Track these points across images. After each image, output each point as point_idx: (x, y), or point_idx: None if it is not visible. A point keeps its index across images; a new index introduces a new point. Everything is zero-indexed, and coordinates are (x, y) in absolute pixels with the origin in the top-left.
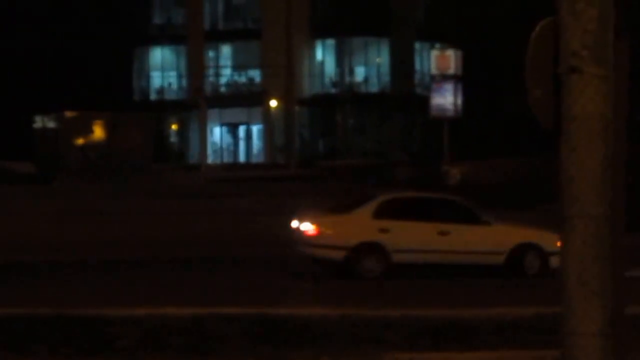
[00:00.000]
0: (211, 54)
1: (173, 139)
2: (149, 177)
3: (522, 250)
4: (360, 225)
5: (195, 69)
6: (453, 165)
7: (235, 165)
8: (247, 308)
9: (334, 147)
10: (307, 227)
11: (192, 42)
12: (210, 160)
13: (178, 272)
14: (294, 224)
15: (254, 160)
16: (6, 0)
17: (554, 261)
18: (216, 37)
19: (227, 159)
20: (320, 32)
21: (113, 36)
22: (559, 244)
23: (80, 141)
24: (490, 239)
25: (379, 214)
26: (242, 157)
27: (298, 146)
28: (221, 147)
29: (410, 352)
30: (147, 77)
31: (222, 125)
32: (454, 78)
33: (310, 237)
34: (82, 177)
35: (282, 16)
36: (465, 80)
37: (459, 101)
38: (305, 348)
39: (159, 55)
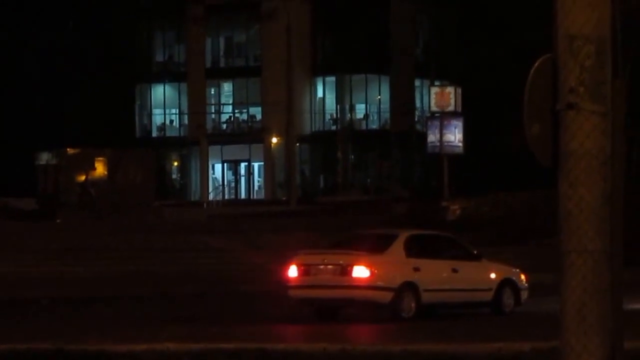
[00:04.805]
0: (212, 91)
1: (174, 175)
2: (150, 213)
3: None
4: None
5: (196, 106)
6: (453, 200)
7: (236, 202)
8: (247, 343)
9: (334, 183)
10: None
11: (193, 79)
12: (211, 197)
13: (179, 306)
14: None
15: (255, 196)
16: (11, 39)
17: None
18: (217, 74)
19: (228, 195)
20: (320, 69)
21: (115, 73)
22: None
23: (81, 178)
24: None
25: None
26: (243, 194)
27: (299, 182)
28: (223, 184)
29: None
30: (149, 114)
31: (223, 162)
32: (453, 115)
33: None
34: (83, 213)
35: (283, 53)
36: (465, 116)
37: (453, 137)
38: None
39: (160, 92)
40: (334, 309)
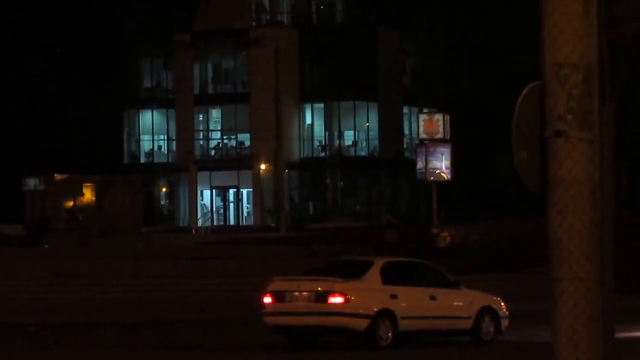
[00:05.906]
0: (200, 117)
1: (163, 201)
2: (138, 239)
3: None
4: None
5: (184, 133)
6: (443, 228)
7: (225, 228)
8: None
9: (323, 209)
10: None
11: (182, 105)
12: (200, 223)
13: (168, 333)
14: None
15: (244, 223)
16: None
17: None
18: (205, 100)
19: (217, 221)
20: (308, 95)
21: (103, 99)
22: None
23: (69, 203)
24: None
25: None
26: (232, 220)
27: (288, 209)
28: (211, 210)
29: None
30: (137, 140)
31: (211, 188)
32: (439, 141)
33: None
34: (71, 239)
35: (271, 80)
36: (455, 143)
37: (440, 164)
38: None
39: (148, 118)
40: (310, 337)
